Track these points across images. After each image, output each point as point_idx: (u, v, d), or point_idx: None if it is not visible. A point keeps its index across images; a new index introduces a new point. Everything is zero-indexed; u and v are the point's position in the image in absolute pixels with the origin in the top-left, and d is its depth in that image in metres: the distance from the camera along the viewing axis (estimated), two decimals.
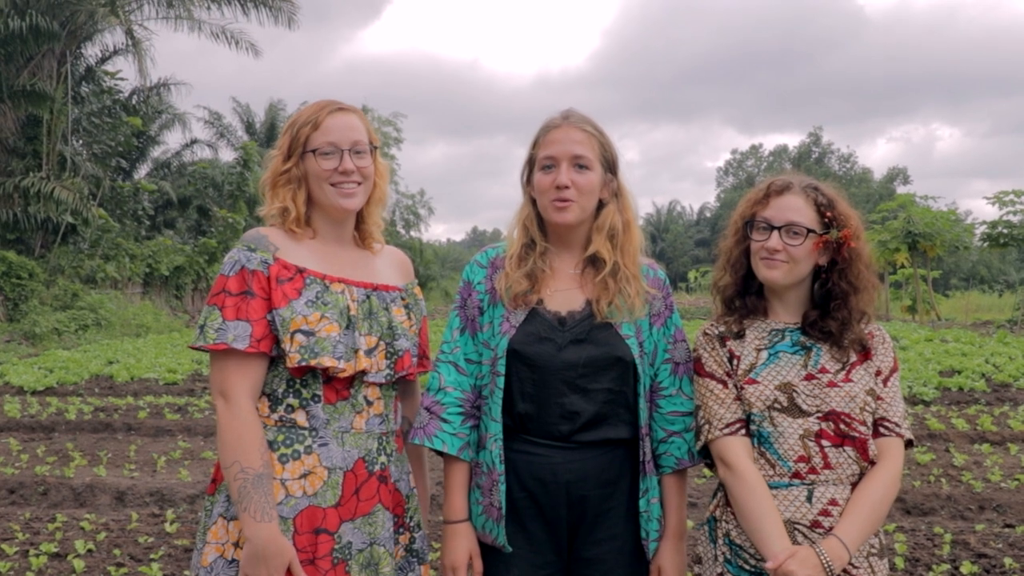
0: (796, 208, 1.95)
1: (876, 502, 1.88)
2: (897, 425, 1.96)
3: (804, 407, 1.90)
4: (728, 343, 2.03)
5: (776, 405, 1.91)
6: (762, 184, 2.05)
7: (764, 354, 1.98)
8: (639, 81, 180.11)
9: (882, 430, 1.95)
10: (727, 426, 1.96)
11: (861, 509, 1.87)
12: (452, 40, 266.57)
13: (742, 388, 1.96)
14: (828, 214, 1.95)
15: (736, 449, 1.95)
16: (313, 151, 1.98)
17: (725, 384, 2.00)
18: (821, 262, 1.98)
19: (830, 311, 1.96)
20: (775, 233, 1.94)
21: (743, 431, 1.96)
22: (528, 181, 2.15)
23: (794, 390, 1.92)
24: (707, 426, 1.99)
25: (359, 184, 2.02)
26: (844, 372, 1.94)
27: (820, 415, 1.90)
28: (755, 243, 1.99)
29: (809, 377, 1.93)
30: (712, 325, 2.09)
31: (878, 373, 1.97)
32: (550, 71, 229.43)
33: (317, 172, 1.98)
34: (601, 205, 2.12)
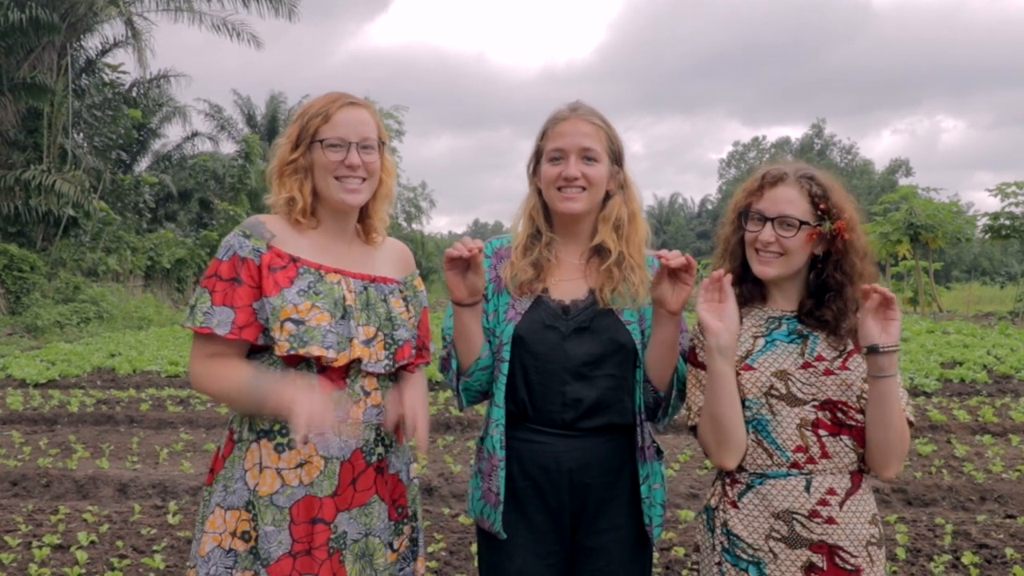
0: (789, 200, 1.94)
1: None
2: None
3: (800, 395, 1.90)
4: None
5: (774, 392, 1.91)
6: (757, 174, 2.04)
7: (760, 341, 1.98)
8: (645, 74, 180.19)
9: None
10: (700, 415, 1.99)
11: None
12: (459, 33, 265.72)
13: (738, 374, 1.95)
14: (822, 206, 1.94)
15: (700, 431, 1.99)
16: (321, 142, 1.98)
17: None
18: (816, 252, 1.97)
19: (825, 301, 1.96)
20: (768, 225, 1.93)
21: None
22: (535, 172, 2.17)
23: (790, 378, 1.91)
24: (689, 412, 2.02)
25: (364, 180, 2.01)
26: (841, 360, 1.92)
27: (816, 403, 1.89)
28: (749, 233, 1.98)
29: (806, 365, 1.92)
30: None
31: None
32: (556, 64, 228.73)
33: (323, 164, 1.98)
34: (607, 196, 2.13)
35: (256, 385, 1.86)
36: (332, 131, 1.97)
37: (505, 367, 2.03)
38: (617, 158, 2.13)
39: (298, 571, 1.87)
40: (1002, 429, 7.50)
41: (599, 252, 2.11)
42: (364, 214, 2.13)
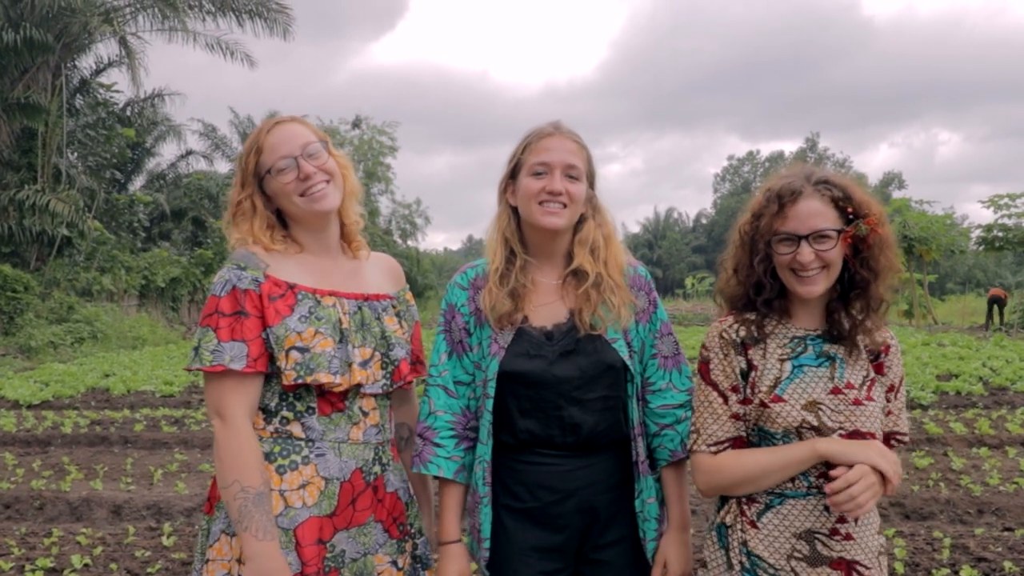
0: (817, 212, 1.85)
1: None
2: (905, 435, 1.95)
3: (830, 424, 1.84)
4: (749, 352, 1.94)
5: (805, 425, 1.84)
6: (771, 194, 1.92)
7: (788, 366, 1.90)
8: (646, 91, 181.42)
9: (893, 442, 1.93)
10: (716, 444, 1.92)
11: None
12: (463, 52, 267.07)
13: (766, 405, 1.88)
14: (849, 209, 1.86)
15: (706, 465, 1.93)
16: (268, 171, 1.96)
17: (726, 399, 1.92)
18: (848, 254, 1.89)
19: (850, 299, 1.90)
20: (803, 244, 1.86)
21: (730, 449, 1.93)
22: (506, 189, 2.13)
23: (820, 407, 1.85)
24: (695, 435, 1.95)
25: (327, 182, 1.98)
26: (867, 389, 1.88)
27: (844, 433, 1.84)
28: (782, 257, 1.88)
29: (835, 391, 1.87)
30: (732, 327, 1.96)
31: (891, 388, 1.93)
32: (557, 81, 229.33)
33: (280, 190, 1.96)
34: (581, 219, 2.11)
35: (249, 510, 1.79)
36: (272, 155, 1.95)
37: (490, 403, 2.01)
38: (591, 181, 2.12)
39: None
40: (999, 441, 7.50)
41: (576, 274, 2.08)
42: (340, 221, 2.10)
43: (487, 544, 2.02)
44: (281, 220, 2.06)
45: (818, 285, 1.86)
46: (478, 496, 2.02)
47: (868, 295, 1.89)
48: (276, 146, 1.96)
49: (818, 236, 1.84)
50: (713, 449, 1.92)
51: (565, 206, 2.02)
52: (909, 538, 4.84)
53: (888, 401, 1.93)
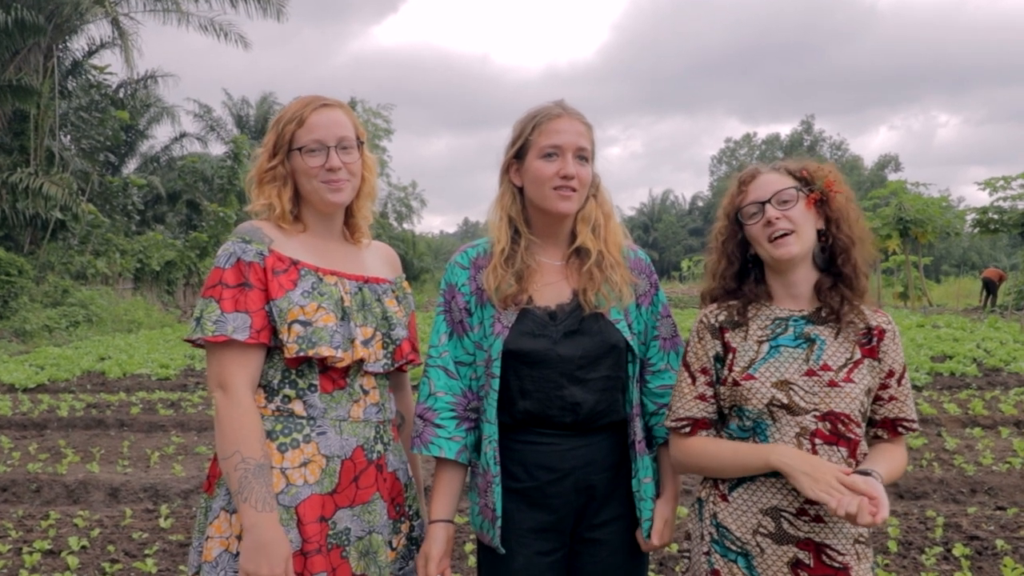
0: (774, 180, 1.96)
1: (894, 466, 1.94)
2: (914, 422, 1.98)
3: (802, 404, 1.87)
4: (726, 335, 1.99)
5: (776, 402, 1.88)
6: (731, 182, 2.07)
7: (765, 347, 1.94)
8: (646, 74, 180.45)
9: (900, 429, 1.97)
10: (676, 420, 1.99)
11: (883, 460, 1.92)
12: (464, 35, 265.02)
13: (738, 384, 1.91)
14: (803, 173, 1.97)
15: (676, 445, 2.00)
16: (299, 149, 1.98)
17: (694, 380, 1.99)
18: (819, 226, 1.97)
19: (837, 268, 1.95)
20: (768, 206, 1.92)
21: (688, 429, 1.97)
22: (509, 169, 2.11)
23: (791, 387, 1.88)
24: (668, 413, 2.04)
25: (347, 180, 2.02)
26: (846, 371, 1.89)
27: (818, 414, 1.86)
28: (752, 227, 1.95)
29: (810, 373, 1.89)
30: (713, 312, 2.03)
31: (890, 374, 1.94)
32: (558, 64, 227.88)
33: (304, 169, 1.98)
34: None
35: (248, 481, 1.80)
36: (308, 135, 1.97)
37: (496, 383, 2.01)
38: (593, 160, 2.13)
39: (309, 571, 1.86)
40: (992, 422, 7.55)
41: (579, 253, 2.08)
42: (348, 213, 2.13)
43: (499, 523, 2.01)
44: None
45: (792, 246, 1.91)
46: (490, 476, 2.01)
47: (851, 260, 1.95)
48: (316, 127, 1.98)
49: (780, 198, 1.93)
50: (674, 425, 2.00)
51: (575, 190, 2.02)
52: (903, 517, 4.88)
53: (887, 387, 1.94)
